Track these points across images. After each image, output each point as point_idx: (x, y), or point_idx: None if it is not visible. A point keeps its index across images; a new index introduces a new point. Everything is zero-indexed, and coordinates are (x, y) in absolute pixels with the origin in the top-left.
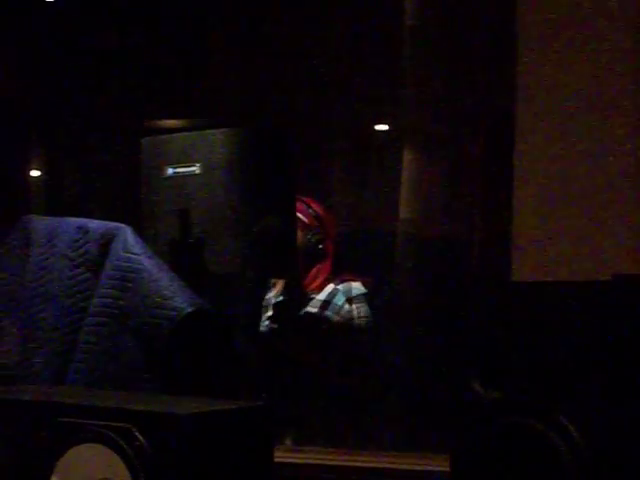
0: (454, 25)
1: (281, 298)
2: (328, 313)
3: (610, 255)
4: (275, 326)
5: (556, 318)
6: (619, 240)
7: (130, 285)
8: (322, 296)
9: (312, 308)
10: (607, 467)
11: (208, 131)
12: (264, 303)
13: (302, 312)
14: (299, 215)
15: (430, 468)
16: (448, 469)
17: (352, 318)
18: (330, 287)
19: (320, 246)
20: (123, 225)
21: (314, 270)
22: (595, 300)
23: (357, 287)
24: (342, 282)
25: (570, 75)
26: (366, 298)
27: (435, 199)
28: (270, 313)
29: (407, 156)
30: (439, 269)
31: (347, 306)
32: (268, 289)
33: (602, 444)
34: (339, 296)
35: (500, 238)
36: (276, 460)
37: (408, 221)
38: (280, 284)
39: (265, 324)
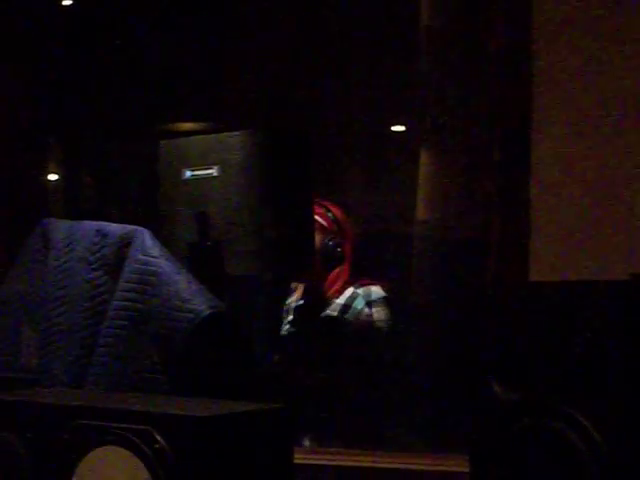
0: (470, 26)
1: (301, 302)
2: (348, 317)
3: (628, 255)
4: (295, 329)
5: (574, 318)
6: (637, 240)
7: (148, 288)
8: (342, 300)
9: (332, 312)
10: (627, 467)
11: (226, 133)
12: (285, 308)
13: (323, 315)
14: (318, 219)
15: (449, 469)
16: (467, 470)
17: (372, 322)
18: (350, 291)
19: (339, 249)
20: (141, 228)
21: (333, 274)
22: (613, 299)
23: (376, 291)
24: (362, 286)
25: (587, 78)
26: (386, 302)
27: (452, 200)
28: (291, 317)
29: (424, 157)
30: (456, 270)
31: (367, 309)
32: (289, 294)
33: (622, 444)
34: (359, 300)
35: (518, 238)
36: (295, 461)
37: (425, 222)
38: (301, 288)
39: (286, 328)
